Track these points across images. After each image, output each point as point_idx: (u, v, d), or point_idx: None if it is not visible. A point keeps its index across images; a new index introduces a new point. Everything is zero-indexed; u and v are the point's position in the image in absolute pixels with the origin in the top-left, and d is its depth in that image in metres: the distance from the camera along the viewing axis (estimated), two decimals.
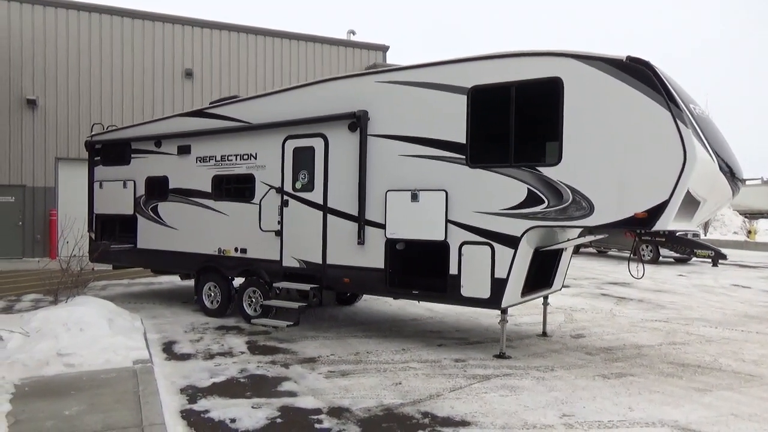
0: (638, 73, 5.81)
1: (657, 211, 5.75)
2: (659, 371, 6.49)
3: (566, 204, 6.18)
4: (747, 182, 39.14)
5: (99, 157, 11.19)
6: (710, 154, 5.87)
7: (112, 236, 10.86)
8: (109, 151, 11.03)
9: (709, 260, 18.80)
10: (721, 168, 6.06)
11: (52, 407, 4.86)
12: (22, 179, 15.79)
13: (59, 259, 9.17)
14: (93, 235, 11.10)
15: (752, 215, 35.25)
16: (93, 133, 11.64)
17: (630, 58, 5.87)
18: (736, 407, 5.35)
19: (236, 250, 8.98)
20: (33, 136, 15.88)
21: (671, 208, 5.70)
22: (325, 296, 8.10)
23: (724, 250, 19.84)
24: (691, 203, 6.00)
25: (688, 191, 5.71)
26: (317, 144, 8.05)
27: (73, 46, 16.23)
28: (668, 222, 5.77)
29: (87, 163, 11.44)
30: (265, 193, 8.56)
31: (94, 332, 6.63)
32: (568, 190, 6.16)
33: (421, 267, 7.44)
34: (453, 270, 6.85)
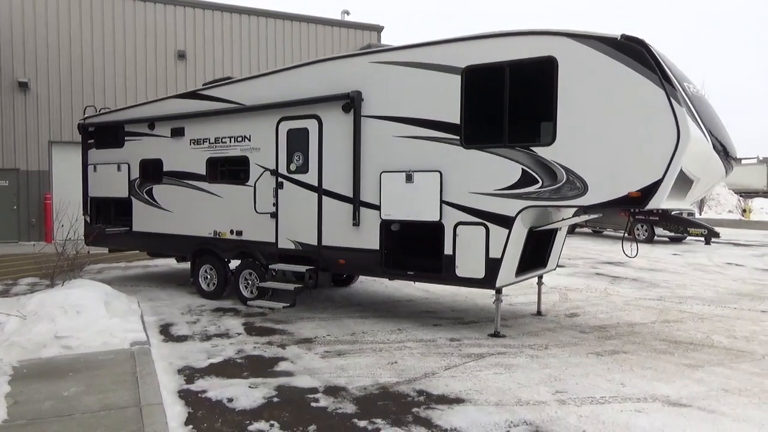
0: (632, 51, 5.79)
1: (650, 189, 5.77)
2: (652, 348, 6.58)
3: (560, 184, 6.19)
4: (743, 161, 39.38)
5: (92, 140, 11.12)
6: (704, 133, 5.88)
7: (107, 219, 10.85)
8: (103, 134, 10.96)
9: (703, 239, 18.96)
10: (714, 147, 6.08)
11: (50, 388, 4.91)
12: (15, 163, 15.72)
13: (55, 243, 9.18)
14: (88, 219, 11.10)
15: (747, 194, 35.41)
16: (86, 115, 11.55)
17: (624, 37, 5.84)
18: (726, 382, 5.43)
19: (232, 232, 8.99)
20: (25, 119, 15.77)
21: (664, 186, 5.72)
22: (320, 278, 8.14)
23: (718, 229, 20.00)
24: (684, 182, 6.02)
25: (681, 170, 5.72)
26: (311, 125, 8.02)
27: (64, 28, 16.04)
28: (661, 200, 5.79)
29: (80, 147, 11.39)
30: (260, 176, 8.54)
31: (91, 315, 6.65)
32: (562, 170, 6.17)
33: (416, 248, 7.47)
34: (448, 250, 6.88)
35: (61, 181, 15.80)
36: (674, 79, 5.71)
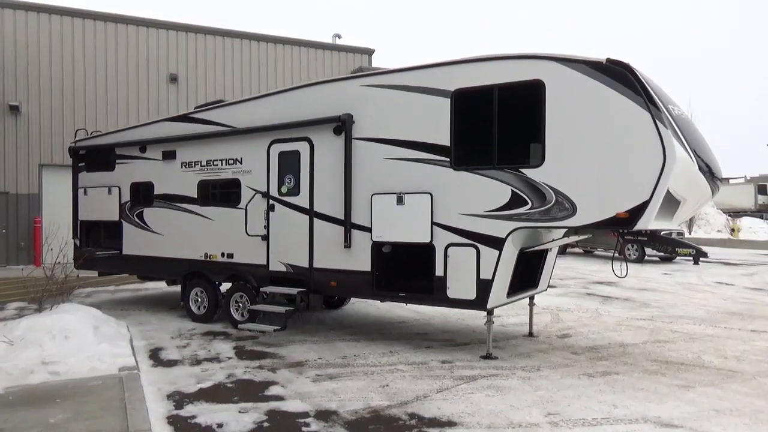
0: (618, 75, 5.90)
1: (638, 210, 5.84)
2: (643, 369, 6.58)
3: (549, 205, 6.24)
4: (730, 181, 39.79)
5: (83, 163, 11.12)
6: (690, 154, 5.97)
7: (97, 243, 10.79)
8: (94, 157, 10.96)
9: (691, 258, 19.11)
10: (700, 167, 6.17)
11: (36, 416, 4.83)
12: (5, 186, 15.64)
13: (44, 267, 9.10)
14: (78, 242, 11.03)
15: (735, 213, 35.76)
16: (77, 138, 11.55)
17: (610, 60, 5.96)
18: (717, 403, 5.44)
19: (223, 255, 8.96)
20: (16, 142, 15.73)
21: (652, 207, 5.79)
22: (312, 300, 8.11)
23: (707, 249, 20.15)
24: (671, 202, 6.09)
25: (668, 191, 5.80)
26: (303, 148, 8.07)
27: (56, 51, 16.11)
28: (649, 221, 5.85)
29: (71, 170, 11.37)
30: (251, 198, 8.55)
31: (79, 340, 6.58)
32: (551, 191, 6.23)
33: (407, 269, 7.47)
34: (439, 272, 6.89)
35: (51, 204, 15.71)
36: (659, 102, 5.81)
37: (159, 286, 12.75)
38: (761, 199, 37.89)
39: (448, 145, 6.83)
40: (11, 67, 15.63)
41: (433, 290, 6.95)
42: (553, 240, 7.43)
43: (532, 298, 8.24)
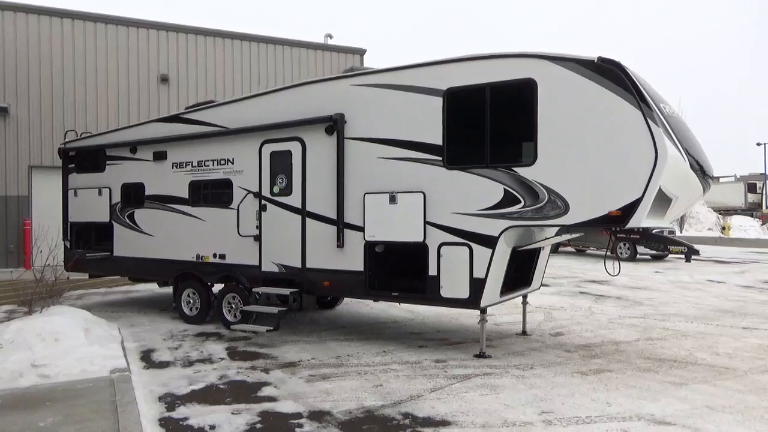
0: (609, 73, 5.91)
1: (630, 208, 5.85)
2: (636, 366, 6.59)
3: (542, 203, 6.24)
4: (720, 180, 40.16)
5: (73, 165, 11.03)
6: (681, 152, 5.99)
7: (88, 244, 10.70)
8: (84, 159, 10.87)
9: (683, 256, 19.22)
10: (691, 166, 6.19)
11: (26, 419, 4.77)
12: None
13: (33, 269, 9.01)
14: (68, 244, 10.93)
15: (726, 212, 36.04)
16: (66, 140, 11.46)
17: (601, 59, 5.96)
18: (710, 400, 5.45)
19: (215, 256, 8.91)
20: (5, 144, 15.57)
21: (644, 205, 5.80)
22: (305, 300, 8.08)
23: (699, 247, 20.27)
24: (663, 200, 6.11)
25: (660, 189, 5.81)
26: (294, 148, 8.04)
27: (45, 52, 15.96)
28: (641, 219, 5.86)
29: (61, 171, 11.27)
30: (243, 198, 8.51)
31: (69, 342, 6.52)
32: (543, 189, 6.23)
33: (400, 269, 7.46)
34: (432, 271, 6.88)
35: (40, 206, 15.56)
36: (650, 100, 5.83)
37: (150, 288, 12.66)
38: (751, 197, 38.20)
39: (441, 144, 6.82)
40: None
41: (426, 289, 6.94)
42: (546, 238, 7.43)
43: (525, 296, 8.24)
